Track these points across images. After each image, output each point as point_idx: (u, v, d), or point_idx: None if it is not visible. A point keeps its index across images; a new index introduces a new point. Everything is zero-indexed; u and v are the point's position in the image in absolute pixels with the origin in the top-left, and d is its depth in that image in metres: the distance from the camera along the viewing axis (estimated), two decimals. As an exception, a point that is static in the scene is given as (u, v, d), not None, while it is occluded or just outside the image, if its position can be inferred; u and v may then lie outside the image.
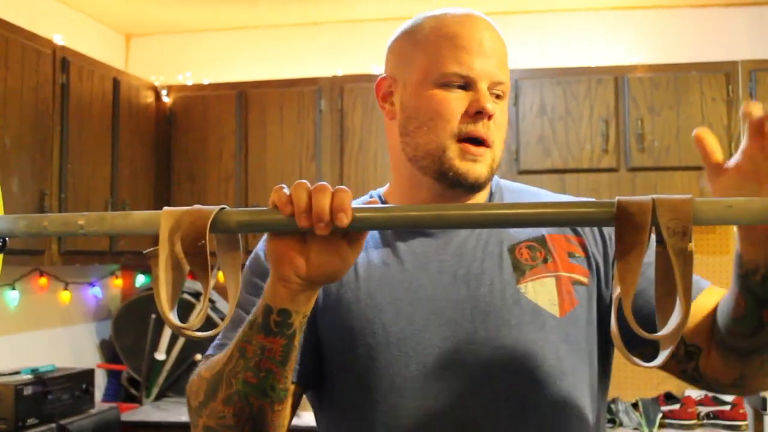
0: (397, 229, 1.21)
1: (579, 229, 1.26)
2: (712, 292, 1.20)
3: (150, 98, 4.26)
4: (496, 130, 1.22)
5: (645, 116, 3.84)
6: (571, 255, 1.24)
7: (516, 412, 1.17)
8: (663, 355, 0.91)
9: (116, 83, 3.93)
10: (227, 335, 1.23)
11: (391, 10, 4.14)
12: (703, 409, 3.68)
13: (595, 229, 1.27)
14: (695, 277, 1.22)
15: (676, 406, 3.69)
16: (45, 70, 3.40)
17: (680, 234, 0.87)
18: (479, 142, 1.21)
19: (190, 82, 4.40)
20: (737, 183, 0.95)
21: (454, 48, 1.21)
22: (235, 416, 1.10)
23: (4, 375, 3.37)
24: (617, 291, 0.90)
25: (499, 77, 1.22)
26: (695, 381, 1.21)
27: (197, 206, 0.96)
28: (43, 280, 3.89)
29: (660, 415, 3.64)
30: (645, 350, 1.07)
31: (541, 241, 1.24)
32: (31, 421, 3.25)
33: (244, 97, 4.22)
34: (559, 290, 1.21)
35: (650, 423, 3.59)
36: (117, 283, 4.56)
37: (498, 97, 1.23)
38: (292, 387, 1.17)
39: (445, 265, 1.23)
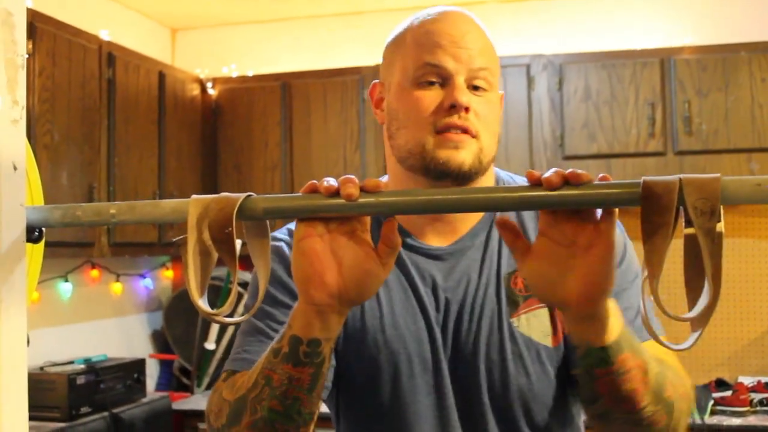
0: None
1: None
2: None
3: (196, 91, 4.31)
4: (478, 122, 1.20)
5: (692, 99, 3.77)
6: None
7: None
8: (693, 338, 0.90)
9: (162, 77, 3.99)
10: (247, 348, 1.24)
11: (433, -2, 4.12)
12: (756, 396, 3.61)
13: None
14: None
15: (728, 393, 3.62)
16: (91, 66, 3.47)
17: (708, 214, 0.85)
18: (459, 131, 1.20)
19: (234, 75, 4.45)
20: (540, 266, 0.95)
21: (428, 44, 1.22)
22: None
23: (57, 365, 3.45)
24: (644, 274, 0.88)
25: (477, 63, 1.21)
26: None
27: (225, 194, 0.97)
28: (95, 272, 3.97)
29: (711, 402, 3.57)
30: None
31: None
32: (84, 409, 3.33)
33: (288, 87, 4.25)
34: (552, 320, 1.25)
35: (701, 410, 3.53)
36: (168, 274, 4.63)
37: (479, 88, 1.22)
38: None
39: (451, 294, 1.26)
